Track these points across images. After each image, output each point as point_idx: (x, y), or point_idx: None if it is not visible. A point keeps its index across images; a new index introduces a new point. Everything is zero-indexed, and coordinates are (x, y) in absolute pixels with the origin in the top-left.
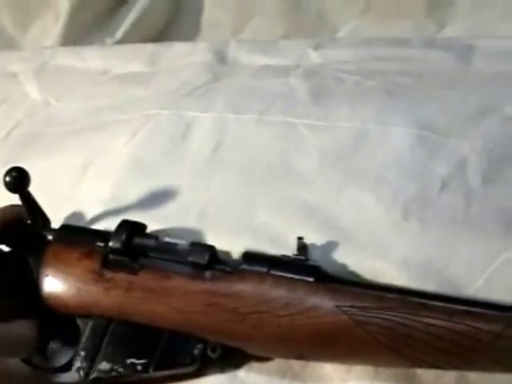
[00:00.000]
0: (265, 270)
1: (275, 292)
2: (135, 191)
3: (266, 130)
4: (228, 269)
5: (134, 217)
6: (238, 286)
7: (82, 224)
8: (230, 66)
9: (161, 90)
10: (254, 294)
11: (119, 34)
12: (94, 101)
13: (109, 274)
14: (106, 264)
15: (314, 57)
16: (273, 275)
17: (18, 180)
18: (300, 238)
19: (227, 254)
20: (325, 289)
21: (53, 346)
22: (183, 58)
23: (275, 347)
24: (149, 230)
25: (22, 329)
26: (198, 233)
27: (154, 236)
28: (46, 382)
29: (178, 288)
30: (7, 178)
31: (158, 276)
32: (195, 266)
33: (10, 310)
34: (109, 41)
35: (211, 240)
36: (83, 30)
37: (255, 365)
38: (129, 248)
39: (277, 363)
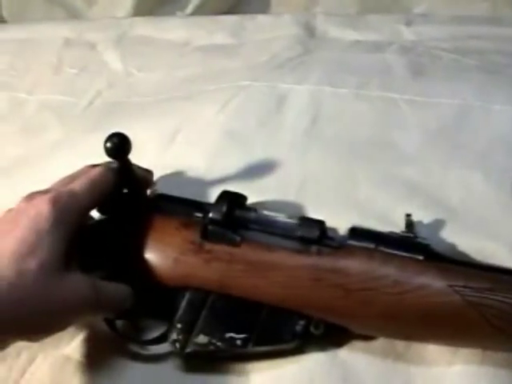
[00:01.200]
0: (373, 246)
1: (384, 269)
2: (230, 161)
3: (365, 105)
4: (335, 244)
5: (229, 187)
6: (345, 261)
7: (173, 193)
8: (319, 40)
9: (250, 61)
10: (362, 271)
11: (190, 9)
12: (178, 71)
13: (209, 246)
14: (206, 235)
15: (407, 33)
16: (381, 252)
17: (120, 146)
18: (408, 215)
19: (332, 229)
20: (436, 268)
21: (144, 317)
22: (268, 30)
23: (382, 326)
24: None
25: (120, 290)
26: (298, 207)
27: (253, 208)
28: (135, 353)
29: (282, 262)
30: (108, 144)
31: (261, 249)
32: (304, 240)
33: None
34: (179, 14)
35: (312, 215)
36: (154, 3)
37: (357, 344)
38: (230, 220)
39: (379, 343)
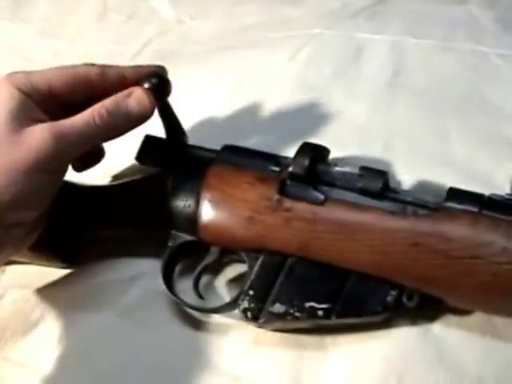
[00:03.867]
0: (476, 209)
1: (491, 235)
2: (304, 114)
3: (453, 58)
4: (432, 205)
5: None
6: (446, 225)
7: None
8: None
9: (318, 9)
10: (466, 236)
11: None
12: (236, 19)
13: (288, 203)
14: (285, 191)
15: None
16: (487, 216)
17: (158, 87)
18: None
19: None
20: None
21: (209, 282)
22: None
23: (486, 299)
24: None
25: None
26: (384, 164)
27: (335, 163)
28: (197, 322)
29: (373, 223)
30: (146, 85)
31: (349, 208)
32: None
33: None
34: None
35: (401, 172)
36: None
37: (452, 319)
38: (312, 174)
39: (477, 318)
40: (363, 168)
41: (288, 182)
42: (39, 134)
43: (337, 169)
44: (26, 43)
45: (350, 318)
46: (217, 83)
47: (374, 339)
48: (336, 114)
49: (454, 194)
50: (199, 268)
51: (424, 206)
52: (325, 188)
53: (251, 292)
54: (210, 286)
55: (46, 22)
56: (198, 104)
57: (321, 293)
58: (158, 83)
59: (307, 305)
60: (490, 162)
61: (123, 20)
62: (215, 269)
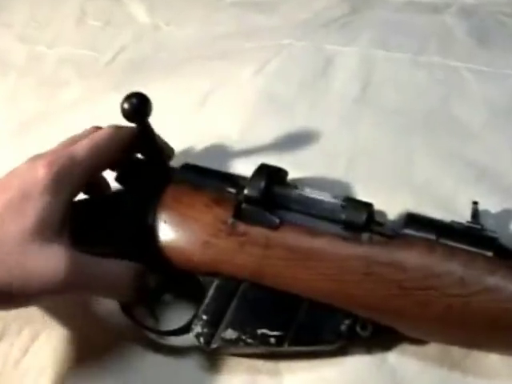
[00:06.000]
0: (433, 237)
1: (447, 265)
2: (268, 129)
3: (423, 72)
4: (388, 232)
5: (266, 160)
6: (402, 253)
7: (202, 163)
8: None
9: (290, 19)
10: (421, 266)
11: None
12: (211, 27)
13: (242, 227)
14: (239, 215)
15: None
16: (444, 245)
17: (139, 108)
18: (475, 203)
19: (382, 213)
20: (507, 267)
21: (165, 305)
22: None
23: (442, 331)
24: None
25: (122, 268)
26: (345, 185)
27: (294, 185)
28: (152, 343)
29: (327, 251)
30: (125, 105)
31: (303, 234)
32: (349, 225)
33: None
34: None
35: (362, 194)
36: None
37: (408, 348)
38: (267, 198)
39: (433, 348)
40: (347, 199)
41: (243, 205)
42: (57, 258)
43: (294, 191)
44: (4, 47)
45: (302, 345)
46: (184, 94)
47: (329, 366)
48: (299, 130)
49: (413, 219)
50: (154, 289)
51: (380, 233)
52: (281, 211)
53: (204, 317)
54: (167, 308)
55: (25, 26)
56: (165, 115)
57: (273, 320)
58: (138, 103)
59: (259, 332)
60: (453, 185)
61: (100, 26)
62: (172, 290)
